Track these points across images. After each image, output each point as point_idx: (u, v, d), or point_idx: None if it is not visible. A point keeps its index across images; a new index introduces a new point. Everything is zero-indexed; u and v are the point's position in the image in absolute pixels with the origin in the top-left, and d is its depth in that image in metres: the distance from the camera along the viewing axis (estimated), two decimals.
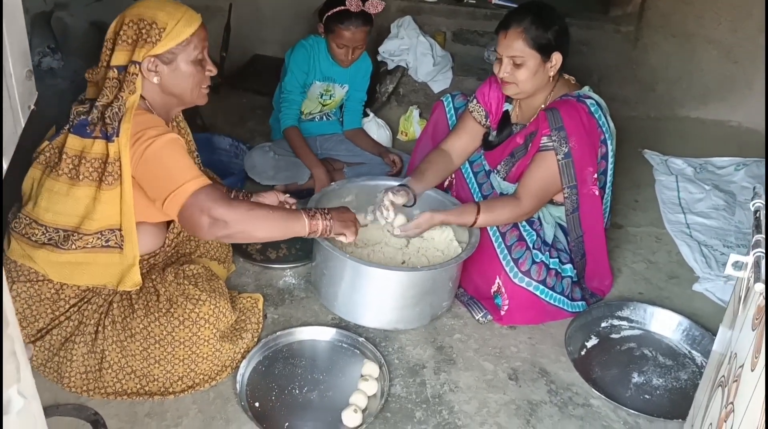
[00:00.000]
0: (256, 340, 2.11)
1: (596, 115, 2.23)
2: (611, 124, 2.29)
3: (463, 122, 2.48)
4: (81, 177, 1.78)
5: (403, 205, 2.34)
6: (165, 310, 1.90)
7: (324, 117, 3.16)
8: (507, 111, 2.43)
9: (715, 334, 2.24)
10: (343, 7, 2.75)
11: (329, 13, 2.80)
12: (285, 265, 2.49)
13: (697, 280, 2.62)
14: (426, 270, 2.08)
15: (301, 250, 2.56)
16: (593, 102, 2.24)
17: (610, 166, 2.33)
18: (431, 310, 2.22)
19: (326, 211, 1.99)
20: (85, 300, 1.93)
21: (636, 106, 3.84)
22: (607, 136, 2.27)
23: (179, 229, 2.11)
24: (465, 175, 2.53)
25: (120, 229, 1.83)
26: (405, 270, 2.13)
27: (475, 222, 2.22)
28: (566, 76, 2.34)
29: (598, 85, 3.75)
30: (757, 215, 1.15)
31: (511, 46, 2.16)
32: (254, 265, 2.49)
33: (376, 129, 3.28)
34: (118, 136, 1.75)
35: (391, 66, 3.68)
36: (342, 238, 2.03)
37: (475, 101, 2.46)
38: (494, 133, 2.45)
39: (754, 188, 1.25)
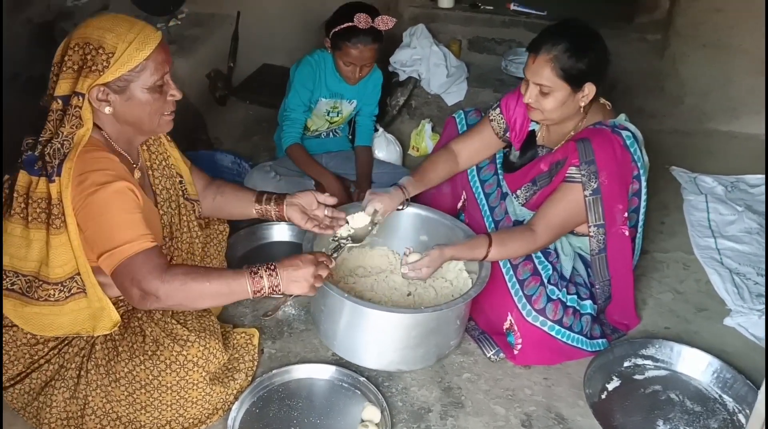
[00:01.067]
0: (250, 379, 1.97)
1: (631, 149, 2.05)
2: (646, 158, 2.12)
3: (479, 128, 2.32)
4: (30, 218, 1.62)
5: (397, 209, 2.22)
6: (151, 353, 1.76)
7: (331, 133, 3.01)
8: (533, 131, 2.24)
9: (748, 377, 2.08)
10: (350, 24, 2.59)
11: (336, 29, 2.64)
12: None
13: (728, 314, 2.43)
14: (431, 311, 1.93)
15: None
16: (629, 134, 2.06)
17: (642, 204, 2.15)
18: (437, 350, 2.06)
19: (272, 266, 1.71)
20: (66, 342, 1.80)
21: (663, 119, 3.64)
22: (641, 171, 2.09)
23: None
24: (476, 197, 2.36)
25: (79, 274, 1.68)
26: (408, 312, 1.97)
27: (486, 256, 2.06)
28: (602, 101, 2.15)
29: (622, 97, 3.58)
30: None
31: (539, 73, 1.98)
32: None
33: (386, 145, 3.13)
34: (59, 175, 1.58)
35: (402, 77, 3.52)
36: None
37: (498, 110, 2.28)
38: (517, 153, 2.27)
39: None
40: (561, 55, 1.94)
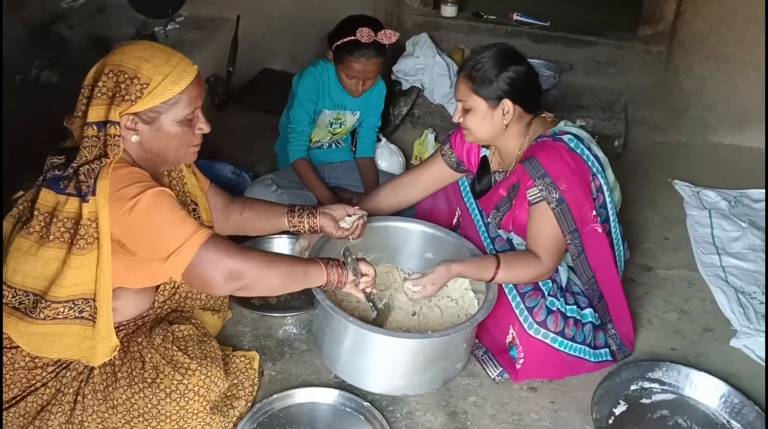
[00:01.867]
0: (250, 405, 1.92)
1: (578, 150, 2.06)
2: (599, 154, 2.13)
3: (432, 162, 2.38)
4: (51, 237, 1.59)
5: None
6: (151, 381, 1.71)
7: (333, 144, 2.96)
8: (485, 157, 2.27)
9: (756, 402, 2.05)
10: (353, 38, 2.54)
11: (339, 43, 2.59)
12: (286, 313, 2.30)
13: (734, 335, 2.40)
14: (438, 336, 1.88)
15: (304, 294, 2.36)
16: (571, 137, 2.07)
17: (608, 198, 2.14)
18: (443, 374, 2.02)
19: (340, 262, 1.85)
20: (64, 366, 1.75)
21: (666, 131, 3.62)
22: (596, 168, 2.09)
23: (171, 291, 1.92)
24: (471, 213, 2.34)
25: (94, 299, 1.63)
26: (415, 336, 1.93)
27: (493, 278, 2.03)
28: (543, 114, 2.18)
29: (625, 108, 3.55)
30: None
31: (458, 89, 2.08)
32: (252, 312, 2.30)
33: (388, 155, 3.09)
34: (94, 194, 1.56)
35: (405, 86, 3.48)
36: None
37: (447, 145, 2.32)
38: (475, 179, 2.29)
39: None
40: (474, 71, 2.02)
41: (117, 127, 1.60)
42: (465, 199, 2.36)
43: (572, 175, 2.02)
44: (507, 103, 2.03)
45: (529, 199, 2.05)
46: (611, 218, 2.17)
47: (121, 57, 1.62)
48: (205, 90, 3.45)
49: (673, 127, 3.61)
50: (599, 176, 2.10)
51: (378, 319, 2.04)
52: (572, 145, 2.05)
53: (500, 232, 2.27)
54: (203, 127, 1.73)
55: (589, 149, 2.10)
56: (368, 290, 1.94)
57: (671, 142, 3.59)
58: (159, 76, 1.59)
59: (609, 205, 2.15)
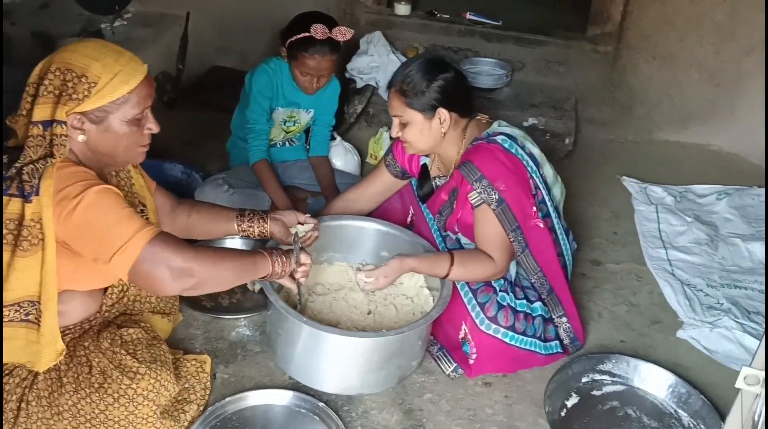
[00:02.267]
0: (202, 409, 1.89)
1: (512, 150, 2.10)
2: (533, 150, 2.17)
3: (379, 172, 2.41)
4: None
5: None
6: (98, 386, 1.67)
7: (287, 142, 2.93)
8: (425, 165, 2.30)
9: (702, 391, 2.11)
10: (307, 34, 2.52)
11: (293, 39, 2.56)
12: (238, 314, 2.27)
13: (681, 326, 2.46)
14: (393, 334, 1.88)
15: (257, 295, 2.34)
16: (504, 137, 2.11)
17: (545, 195, 2.18)
18: (399, 372, 2.02)
19: (284, 251, 1.83)
20: (7, 372, 1.69)
21: (614, 128, 3.69)
22: (531, 166, 2.13)
23: (119, 294, 1.87)
24: (423, 212, 2.34)
25: (39, 302, 1.58)
26: (369, 336, 1.93)
27: (447, 274, 2.04)
28: (479, 116, 2.22)
29: (575, 107, 3.62)
30: None
31: (392, 105, 2.10)
32: (204, 314, 2.26)
33: (343, 154, 3.07)
34: (37, 194, 1.51)
35: (359, 84, 3.47)
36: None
37: (390, 155, 2.36)
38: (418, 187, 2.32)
39: None
40: (405, 86, 2.04)
41: (63, 126, 1.55)
42: (418, 200, 2.38)
43: (510, 173, 2.05)
44: (442, 112, 2.06)
45: (471, 202, 2.08)
46: (552, 213, 2.21)
47: (69, 55, 1.57)
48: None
49: (621, 125, 3.69)
50: (534, 174, 2.13)
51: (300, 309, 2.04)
52: (506, 145, 2.09)
53: (449, 232, 2.29)
54: (152, 127, 1.69)
55: (523, 148, 2.13)
56: (302, 281, 1.93)
57: (619, 140, 3.67)
58: (108, 75, 1.56)
59: (548, 201, 2.19)
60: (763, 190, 3.21)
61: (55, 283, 1.58)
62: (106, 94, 1.56)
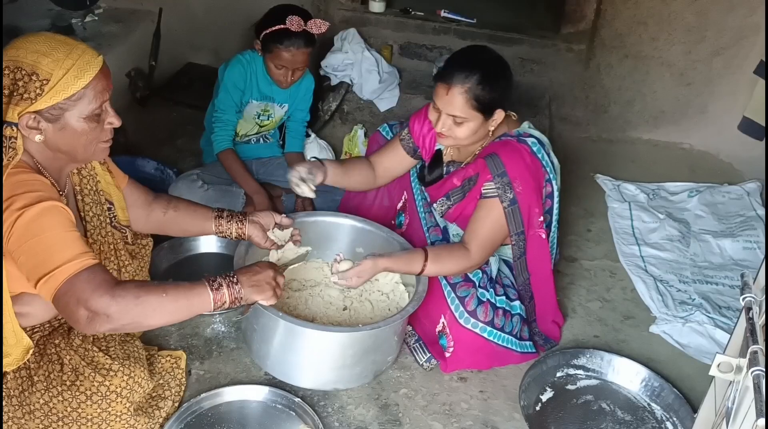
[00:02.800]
0: (177, 405, 1.86)
1: (539, 155, 2.10)
2: (554, 160, 2.17)
3: (392, 147, 2.33)
4: None
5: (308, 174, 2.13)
6: (70, 383, 1.63)
7: (261, 139, 2.91)
8: (440, 150, 2.27)
9: (674, 385, 2.14)
10: (282, 26, 2.50)
11: (267, 32, 2.55)
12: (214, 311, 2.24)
13: (653, 321, 2.49)
14: (368, 329, 1.88)
15: None
16: (534, 141, 2.10)
17: (555, 205, 2.20)
18: (374, 367, 2.02)
19: (233, 276, 1.61)
20: None
21: (587, 127, 3.73)
22: (551, 175, 2.14)
23: None
24: (415, 199, 2.34)
25: None
26: (344, 330, 1.92)
27: (422, 271, 2.03)
28: (508, 112, 2.20)
29: (549, 105, 3.64)
30: (750, 317, 0.97)
31: (453, 104, 2.00)
32: None
33: (318, 151, 3.06)
34: None
35: (334, 82, 3.46)
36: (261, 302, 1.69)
37: (406, 131, 2.30)
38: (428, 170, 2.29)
39: (743, 276, 1.08)
40: (475, 87, 1.97)
41: (14, 128, 1.47)
42: (412, 184, 2.36)
43: (530, 178, 2.05)
44: (500, 113, 2.04)
45: (483, 191, 2.06)
46: (553, 225, 2.22)
47: (17, 51, 1.48)
48: (126, 84, 3.40)
49: (595, 124, 3.72)
50: (552, 183, 2.14)
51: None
52: (535, 149, 2.08)
53: (439, 220, 2.28)
54: (113, 121, 1.60)
55: (548, 155, 2.13)
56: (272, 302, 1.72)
57: (593, 138, 3.70)
58: (60, 70, 1.47)
59: (555, 212, 2.20)
60: (732, 188, 3.27)
61: (6, 289, 1.50)
62: (60, 90, 1.47)
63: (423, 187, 2.33)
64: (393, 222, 2.41)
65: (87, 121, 1.54)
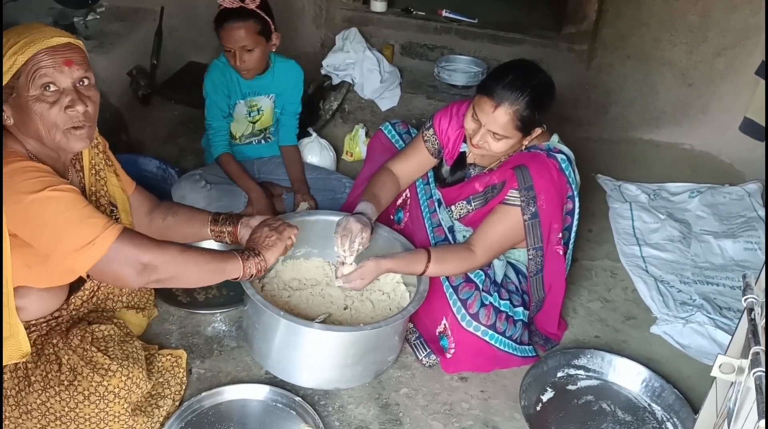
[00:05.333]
0: (177, 404, 1.87)
1: (566, 172, 2.09)
2: (577, 177, 2.16)
3: (415, 149, 2.29)
4: None
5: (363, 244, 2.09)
6: (68, 383, 1.63)
7: (263, 140, 2.90)
8: (464, 152, 2.25)
9: (675, 385, 2.14)
10: (221, 8, 2.47)
11: (214, 21, 2.53)
12: (214, 309, 2.25)
13: (654, 322, 2.49)
14: (369, 329, 1.88)
15: (233, 291, 2.32)
16: (564, 157, 2.09)
17: (575, 222, 2.19)
18: (375, 366, 2.02)
19: (252, 249, 1.78)
20: None
21: (589, 127, 3.72)
22: (575, 191, 2.13)
23: (90, 293, 1.82)
24: (419, 197, 2.33)
25: None
26: (346, 330, 1.92)
27: (424, 272, 2.03)
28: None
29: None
30: (752, 318, 0.97)
31: (497, 122, 1.97)
32: (179, 309, 2.24)
33: (319, 150, 3.05)
34: None
35: (335, 81, 3.46)
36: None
37: (432, 131, 2.25)
38: (448, 169, 2.26)
39: (744, 276, 1.08)
40: (523, 109, 1.95)
41: None
42: (416, 183, 2.34)
43: (555, 195, 2.04)
44: (538, 130, 2.04)
45: (505, 198, 2.05)
46: (571, 241, 2.22)
47: None
48: (128, 83, 3.39)
49: (596, 124, 3.72)
50: (574, 200, 2.13)
51: None
52: (563, 165, 2.07)
53: (445, 221, 2.27)
54: (73, 104, 1.53)
55: (574, 172, 2.13)
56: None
57: (594, 138, 3.69)
58: (6, 47, 1.48)
59: (573, 230, 2.19)
60: (734, 188, 3.26)
61: (10, 278, 1.52)
62: (6, 68, 1.47)
63: (436, 188, 2.31)
64: (391, 217, 2.41)
65: (37, 101, 1.51)
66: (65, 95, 1.54)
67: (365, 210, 2.12)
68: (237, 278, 1.76)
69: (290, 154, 2.86)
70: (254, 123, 2.83)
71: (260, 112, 2.81)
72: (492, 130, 1.99)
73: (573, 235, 2.21)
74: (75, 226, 1.51)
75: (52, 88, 1.52)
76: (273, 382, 2.00)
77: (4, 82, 1.50)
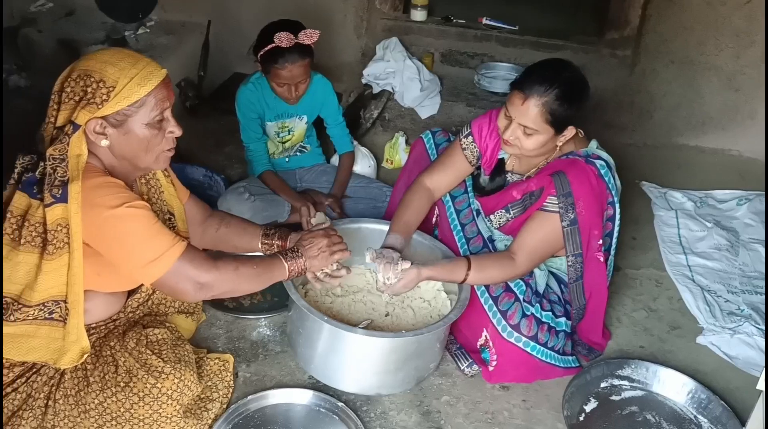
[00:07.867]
0: (225, 407, 1.92)
1: (606, 178, 2.07)
2: (618, 182, 2.15)
3: (452, 158, 2.28)
4: (22, 241, 1.57)
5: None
6: (124, 384, 1.70)
7: (298, 152, 2.95)
8: (503, 159, 2.25)
9: (722, 397, 2.10)
10: (273, 45, 2.50)
11: (261, 53, 2.56)
12: (259, 314, 2.30)
13: (701, 332, 2.45)
14: (411, 335, 1.90)
15: (277, 296, 2.37)
16: (603, 163, 2.08)
17: (616, 228, 2.17)
18: (416, 373, 2.04)
19: (297, 250, 1.88)
20: (34, 370, 1.73)
21: (632, 133, 3.68)
22: (615, 197, 2.11)
23: (145, 297, 1.91)
24: (447, 213, 2.34)
25: (65, 301, 1.61)
26: (388, 336, 1.94)
27: (465, 280, 2.04)
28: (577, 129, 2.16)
29: (593, 111, 3.61)
30: None
31: (527, 115, 1.97)
32: (226, 314, 2.30)
33: (360, 158, 3.09)
34: (65, 200, 1.54)
35: (376, 90, 3.49)
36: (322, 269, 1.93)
37: (470, 138, 2.25)
38: (486, 178, 2.27)
39: None
40: (552, 101, 1.94)
41: (73, 127, 1.58)
42: (443, 199, 2.35)
43: (594, 201, 2.03)
44: (571, 129, 2.03)
45: (544, 204, 2.05)
46: (612, 248, 2.20)
47: (88, 62, 1.61)
48: (177, 94, 3.50)
49: (640, 130, 3.67)
50: (614, 206, 2.12)
51: None
52: (603, 171, 2.06)
53: (484, 230, 2.27)
54: (174, 130, 1.70)
55: (614, 178, 2.12)
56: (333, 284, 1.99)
57: (638, 144, 3.65)
58: (125, 78, 1.58)
59: (614, 236, 2.18)
60: None
61: (81, 285, 1.61)
62: (124, 97, 1.58)
63: (474, 197, 2.31)
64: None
65: (149, 127, 1.64)
66: (165, 121, 1.68)
67: (394, 244, 2.15)
68: (287, 278, 1.87)
69: (343, 160, 2.91)
70: (284, 143, 2.88)
71: (291, 133, 2.85)
72: (522, 123, 1.98)
73: (614, 241, 2.19)
74: (145, 242, 1.61)
75: (159, 116, 1.65)
76: (316, 386, 2.04)
77: (118, 109, 1.59)
